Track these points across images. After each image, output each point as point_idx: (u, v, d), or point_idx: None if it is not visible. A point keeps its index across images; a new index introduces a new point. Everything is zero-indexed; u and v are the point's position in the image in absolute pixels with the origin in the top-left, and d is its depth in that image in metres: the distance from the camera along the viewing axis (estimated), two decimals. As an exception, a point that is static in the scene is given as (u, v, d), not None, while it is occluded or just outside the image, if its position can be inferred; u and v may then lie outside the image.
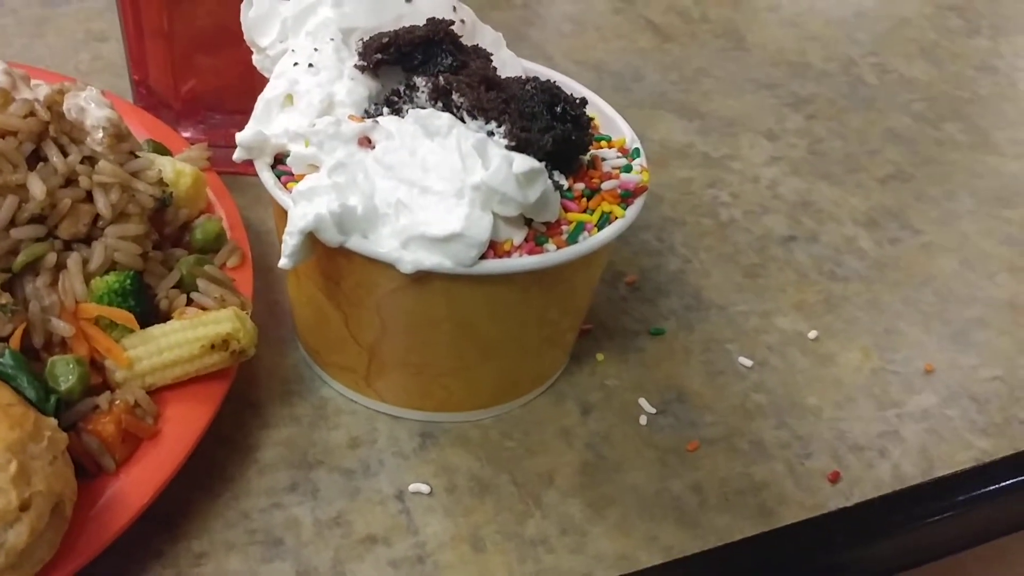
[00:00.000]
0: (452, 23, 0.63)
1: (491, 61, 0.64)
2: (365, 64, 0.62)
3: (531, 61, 0.72)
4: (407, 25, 0.63)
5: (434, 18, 0.63)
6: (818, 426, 0.68)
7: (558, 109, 0.59)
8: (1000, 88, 1.05)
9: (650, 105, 0.97)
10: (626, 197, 0.61)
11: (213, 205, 0.71)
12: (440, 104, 0.59)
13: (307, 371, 0.67)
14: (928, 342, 0.75)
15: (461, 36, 0.64)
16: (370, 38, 0.63)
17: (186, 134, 0.82)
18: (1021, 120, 1.00)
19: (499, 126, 0.58)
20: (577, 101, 0.60)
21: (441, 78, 0.60)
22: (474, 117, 0.58)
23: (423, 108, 0.60)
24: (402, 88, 0.61)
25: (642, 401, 0.68)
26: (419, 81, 0.61)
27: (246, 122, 0.63)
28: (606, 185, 0.61)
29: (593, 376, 0.69)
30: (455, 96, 0.59)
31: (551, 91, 0.59)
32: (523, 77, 0.62)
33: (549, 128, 0.58)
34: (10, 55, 0.89)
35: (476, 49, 0.64)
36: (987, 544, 0.67)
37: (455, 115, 0.59)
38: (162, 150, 0.72)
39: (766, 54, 1.07)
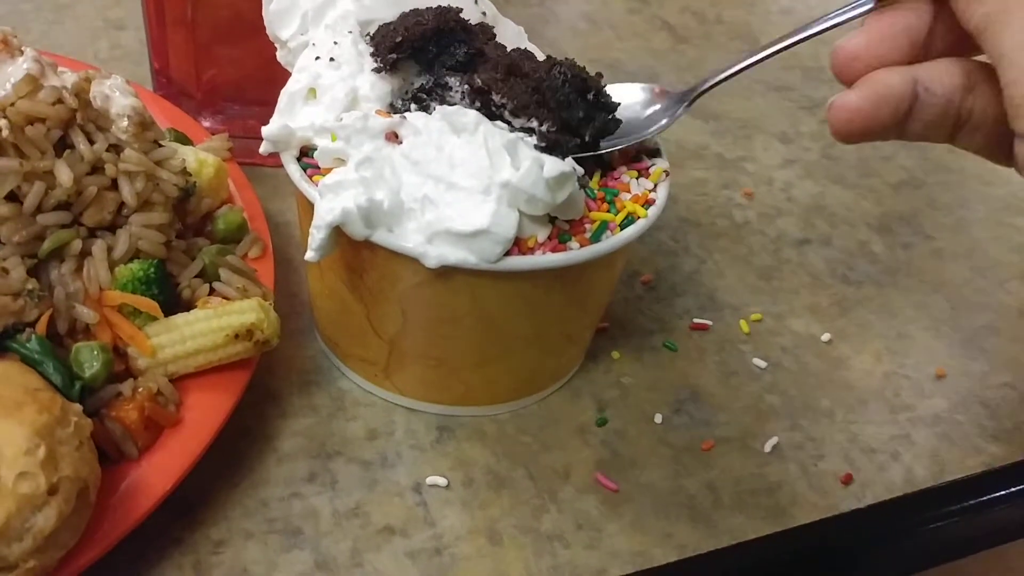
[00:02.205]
0: (460, 10, 0.63)
1: (504, 45, 0.63)
2: (382, 67, 0.62)
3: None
4: (414, 17, 0.63)
5: (441, 7, 0.63)
6: (831, 428, 0.68)
7: (590, 96, 0.59)
8: (1012, 96, 1.06)
9: (665, 105, 0.97)
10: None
11: (234, 196, 0.71)
12: (479, 104, 0.60)
13: (325, 362, 0.68)
14: (939, 347, 0.76)
15: (469, 19, 0.64)
16: (380, 36, 0.63)
17: (205, 124, 0.82)
18: (1033, 129, 1.01)
19: (540, 124, 0.58)
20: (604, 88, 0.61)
21: (478, 78, 0.59)
22: (516, 116, 0.58)
23: (459, 103, 0.60)
24: (426, 83, 0.61)
25: (657, 400, 0.68)
26: (452, 81, 0.61)
27: (264, 113, 0.63)
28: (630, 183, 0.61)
29: (609, 374, 0.70)
30: (495, 96, 0.59)
31: (580, 77, 0.59)
32: (548, 60, 0.62)
33: (588, 119, 0.58)
34: (29, 42, 0.88)
35: (483, 28, 0.64)
36: (997, 548, 0.68)
37: (495, 114, 0.59)
38: (184, 139, 0.72)
39: (780, 57, 1.06)
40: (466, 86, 0.60)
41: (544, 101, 0.58)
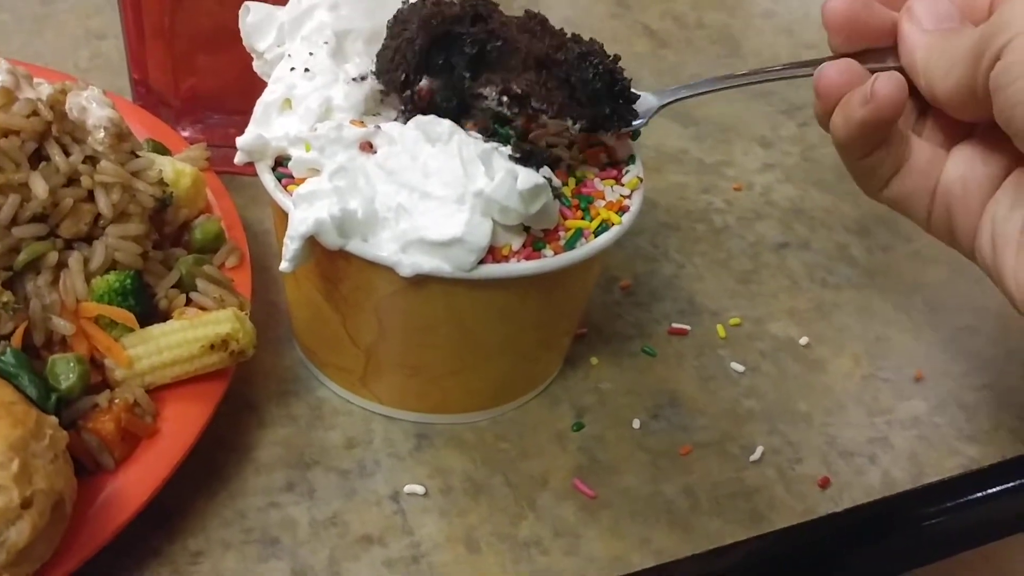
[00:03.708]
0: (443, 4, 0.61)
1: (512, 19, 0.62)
2: (413, 107, 0.61)
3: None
4: (402, 33, 0.61)
5: (423, 12, 0.60)
6: (809, 432, 0.68)
7: (617, 89, 0.60)
8: (991, 98, 1.06)
9: (645, 110, 0.97)
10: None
11: (211, 205, 0.71)
12: (516, 110, 0.60)
13: (304, 371, 0.68)
14: (918, 350, 0.76)
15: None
16: (384, 79, 0.61)
17: (184, 133, 0.82)
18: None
19: (574, 123, 0.59)
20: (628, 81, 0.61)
21: (515, 86, 0.59)
22: (553, 118, 0.59)
23: (495, 110, 0.60)
24: (459, 89, 0.60)
25: (635, 405, 0.69)
26: (486, 91, 0.60)
27: (244, 122, 0.63)
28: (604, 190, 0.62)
29: (587, 380, 0.70)
30: (535, 102, 0.59)
31: (610, 71, 0.60)
32: (573, 44, 0.61)
33: (614, 116, 0.60)
34: (9, 52, 0.89)
35: (484, 4, 0.62)
36: (974, 549, 0.68)
37: (531, 116, 0.59)
38: (162, 149, 0.72)
39: (761, 61, 1.08)
40: (504, 96, 0.59)
41: (575, 95, 0.58)
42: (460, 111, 0.61)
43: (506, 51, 0.60)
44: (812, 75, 0.56)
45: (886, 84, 0.52)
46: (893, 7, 0.57)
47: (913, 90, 0.56)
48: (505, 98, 0.60)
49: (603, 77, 0.60)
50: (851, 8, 0.56)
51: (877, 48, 0.57)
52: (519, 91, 0.59)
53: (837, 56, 0.57)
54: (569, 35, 0.62)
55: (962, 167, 0.55)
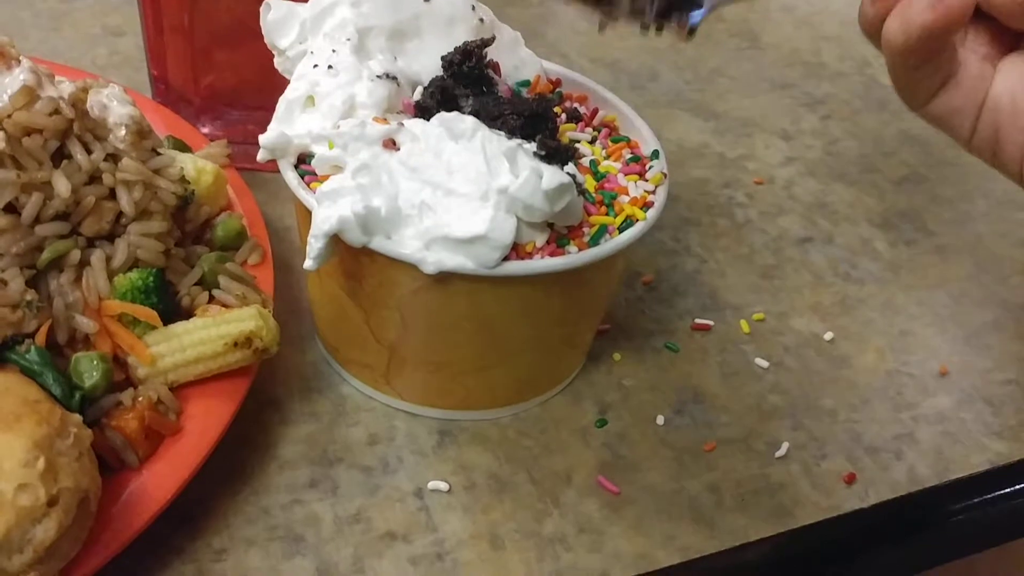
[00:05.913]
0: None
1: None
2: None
3: (547, 59, 0.72)
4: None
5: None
6: (834, 428, 0.68)
7: None
8: (1014, 90, 1.06)
9: (666, 104, 0.97)
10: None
11: (233, 202, 0.71)
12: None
13: (326, 368, 0.68)
14: (942, 344, 0.75)
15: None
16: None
17: (204, 130, 0.82)
18: (1035, 122, 1.00)
19: (651, 6, 0.60)
20: None
21: None
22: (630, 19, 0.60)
23: None
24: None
25: (659, 401, 0.68)
26: None
27: (264, 118, 0.63)
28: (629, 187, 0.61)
29: (610, 376, 0.70)
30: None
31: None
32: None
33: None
34: (28, 49, 0.88)
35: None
36: (1002, 546, 0.68)
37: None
38: (182, 147, 0.72)
39: (781, 54, 1.08)
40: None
41: None
42: None
43: None
44: None
45: None
46: None
47: None
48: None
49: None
50: None
51: None
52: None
53: None
54: None
55: (1012, 81, 0.52)
